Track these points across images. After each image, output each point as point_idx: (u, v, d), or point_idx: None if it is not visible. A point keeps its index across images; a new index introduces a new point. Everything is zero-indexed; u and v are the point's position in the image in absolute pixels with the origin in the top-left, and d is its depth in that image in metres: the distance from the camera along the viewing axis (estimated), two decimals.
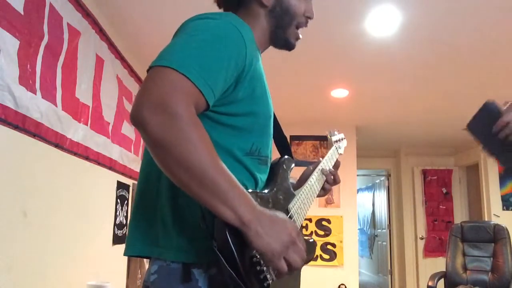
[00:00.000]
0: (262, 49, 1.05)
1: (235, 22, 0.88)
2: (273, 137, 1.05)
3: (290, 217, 0.96)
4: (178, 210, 0.85)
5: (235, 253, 0.73)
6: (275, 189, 0.95)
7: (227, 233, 0.74)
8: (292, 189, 1.02)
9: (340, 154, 1.37)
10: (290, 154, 1.10)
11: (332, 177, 1.21)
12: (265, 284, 0.78)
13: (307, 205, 1.08)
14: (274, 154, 1.03)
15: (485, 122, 1.16)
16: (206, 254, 0.81)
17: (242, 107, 0.88)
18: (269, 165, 1.00)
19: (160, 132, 0.70)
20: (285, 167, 1.03)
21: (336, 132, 1.42)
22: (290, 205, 0.98)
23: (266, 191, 0.93)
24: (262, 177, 0.96)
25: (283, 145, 1.14)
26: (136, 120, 0.72)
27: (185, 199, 0.81)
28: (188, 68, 0.75)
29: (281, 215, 0.80)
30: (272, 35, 1.05)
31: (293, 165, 1.06)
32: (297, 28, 1.07)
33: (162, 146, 0.71)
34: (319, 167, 1.20)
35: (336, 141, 1.39)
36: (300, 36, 1.09)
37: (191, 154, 0.71)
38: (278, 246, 0.74)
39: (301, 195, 1.05)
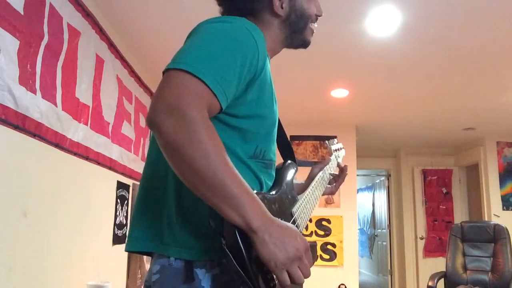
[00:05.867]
0: (271, 55, 1.06)
1: (248, 26, 0.88)
2: (277, 141, 1.06)
3: (294, 221, 0.96)
4: (184, 208, 0.85)
5: (244, 252, 0.74)
6: (280, 192, 0.95)
7: (236, 232, 0.74)
8: (295, 193, 1.03)
9: (339, 163, 1.40)
10: (293, 159, 1.12)
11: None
12: (272, 285, 0.78)
13: (309, 210, 1.09)
14: (278, 158, 1.03)
15: None
16: (210, 252, 0.81)
17: (248, 109, 0.88)
18: (274, 169, 1.01)
19: (173, 134, 0.72)
20: (289, 171, 1.04)
21: (335, 141, 1.45)
22: (294, 209, 0.98)
23: (271, 193, 0.94)
24: (268, 180, 0.97)
25: (286, 149, 1.15)
26: (151, 122, 0.74)
27: (191, 197, 0.81)
28: (203, 71, 0.76)
29: (293, 227, 0.79)
30: (289, 40, 1.08)
31: (296, 169, 1.08)
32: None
33: (175, 148, 0.72)
34: (320, 174, 1.25)
35: (336, 150, 1.42)
36: (314, 29, 1.12)
37: (202, 157, 0.72)
38: (282, 257, 0.73)
39: (303, 200, 1.06)
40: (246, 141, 0.90)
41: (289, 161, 1.08)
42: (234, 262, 0.73)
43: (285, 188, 0.98)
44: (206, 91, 0.76)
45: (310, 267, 0.79)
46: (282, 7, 1.02)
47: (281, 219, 0.79)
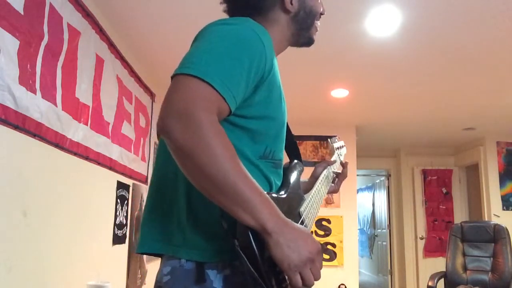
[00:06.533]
0: (277, 53, 1.06)
1: (254, 27, 0.88)
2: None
3: (302, 221, 0.97)
4: (194, 210, 0.85)
5: (257, 253, 0.74)
6: (288, 192, 0.96)
7: (249, 233, 0.74)
8: (302, 193, 1.03)
9: (341, 161, 1.41)
10: (299, 159, 1.12)
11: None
12: (284, 285, 0.78)
13: (316, 209, 1.09)
14: (284, 158, 1.04)
15: None
16: (221, 253, 0.82)
17: (257, 110, 0.89)
18: (282, 168, 1.01)
19: (182, 139, 0.72)
20: (295, 171, 1.04)
21: (337, 139, 1.46)
22: (302, 209, 0.99)
23: (280, 193, 0.94)
24: (277, 180, 0.97)
25: (293, 149, 1.15)
26: (161, 128, 0.74)
27: (201, 199, 0.82)
28: (211, 75, 0.76)
29: (306, 230, 0.80)
30: (295, 37, 1.09)
31: (302, 169, 1.08)
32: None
33: (185, 153, 0.73)
34: (325, 173, 1.25)
35: (338, 148, 1.43)
36: (318, 27, 1.14)
37: (212, 161, 0.72)
38: (296, 259, 0.74)
39: (310, 199, 1.06)
40: (255, 142, 0.90)
41: (295, 161, 1.08)
42: (248, 263, 0.74)
43: (292, 188, 0.98)
44: (214, 95, 0.76)
45: (321, 269, 0.80)
46: (291, 4, 1.04)
47: (290, 219, 0.79)
